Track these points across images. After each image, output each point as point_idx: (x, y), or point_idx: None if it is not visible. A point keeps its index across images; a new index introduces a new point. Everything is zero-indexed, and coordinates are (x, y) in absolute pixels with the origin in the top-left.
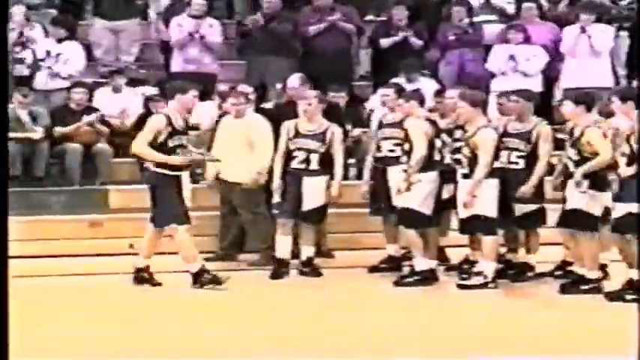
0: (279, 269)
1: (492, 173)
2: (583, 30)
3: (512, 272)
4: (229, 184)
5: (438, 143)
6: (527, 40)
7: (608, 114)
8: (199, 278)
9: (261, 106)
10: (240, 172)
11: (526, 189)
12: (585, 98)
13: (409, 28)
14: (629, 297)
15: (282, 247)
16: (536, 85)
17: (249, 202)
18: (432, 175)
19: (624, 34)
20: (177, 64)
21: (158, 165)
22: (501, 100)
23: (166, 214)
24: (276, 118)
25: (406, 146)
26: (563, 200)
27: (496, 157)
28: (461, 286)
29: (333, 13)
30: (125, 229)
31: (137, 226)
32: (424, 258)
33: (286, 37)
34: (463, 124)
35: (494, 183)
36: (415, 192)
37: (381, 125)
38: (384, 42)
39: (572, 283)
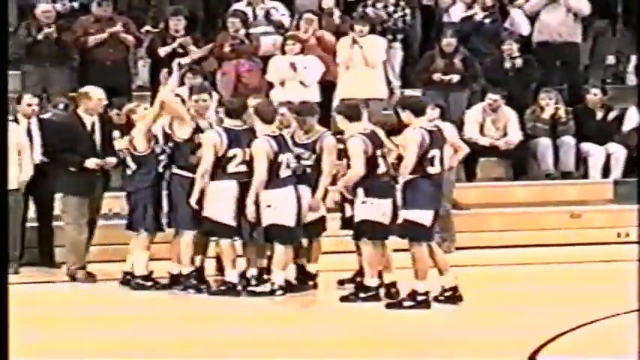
0: None
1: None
2: (355, 41)
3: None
4: None
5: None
6: (302, 50)
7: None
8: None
9: (41, 116)
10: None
11: (314, 203)
12: (350, 111)
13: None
14: (407, 304)
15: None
16: (314, 95)
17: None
18: (228, 184)
19: (397, 45)
20: None
21: None
22: (281, 110)
23: None
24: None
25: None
26: (342, 209)
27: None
28: (250, 293)
29: (113, 24)
30: None
31: None
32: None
33: (68, 47)
34: None
35: (286, 192)
36: (213, 202)
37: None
38: (162, 51)
39: (352, 291)
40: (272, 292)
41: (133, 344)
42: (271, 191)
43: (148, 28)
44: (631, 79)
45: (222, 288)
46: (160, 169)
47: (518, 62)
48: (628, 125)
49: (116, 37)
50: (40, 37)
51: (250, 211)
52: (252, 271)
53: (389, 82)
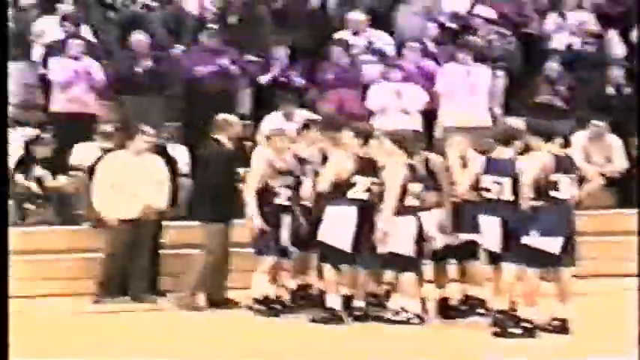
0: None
1: (408, 211)
2: (461, 69)
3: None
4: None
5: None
6: (405, 79)
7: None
8: None
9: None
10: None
11: (442, 225)
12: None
13: (289, 67)
14: (514, 331)
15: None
16: (416, 123)
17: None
18: (348, 209)
19: (501, 73)
20: (58, 104)
21: None
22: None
23: None
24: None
25: None
26: None
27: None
28: (388, 321)
29: (222, 56)
30: None
31: None
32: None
33: (170, 78)
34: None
35: (409, 220)
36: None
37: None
38: (264, 79)
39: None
40: (408, 321)
41: None
42: (394, 218)
43: (251, 57)
44: None
45: (325, 315)
46: (280, 201)
47: (627, 90)
48: None
49: (223, 67)
50: (138, 68)
51: (380, 237)
52: (360, 302)
53: (491, 109)
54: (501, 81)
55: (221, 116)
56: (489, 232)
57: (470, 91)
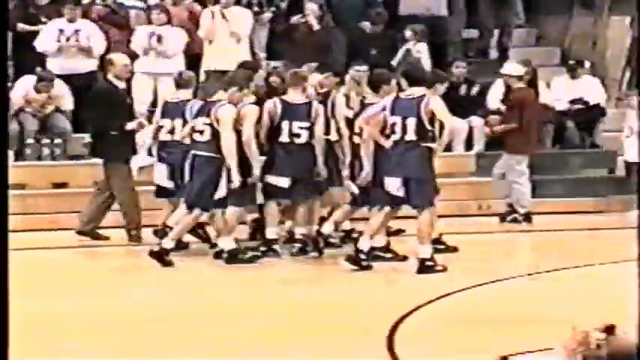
0: None
1: None
2: (222, 14)
3: None
4: None
5: None
6: (169, 21)
7: None
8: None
9: None
10: None
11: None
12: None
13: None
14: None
15: None
16: (178, 65)
17: None
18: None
19: (266, 16)
20: None
21: None
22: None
23: None
24: None
25: None
26: None
27: None
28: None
29: None
30: None
31: None
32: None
33: None
34: None
35: None
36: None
37: None
38: (21, 26)
39: None
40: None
41: None
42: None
43: None
44: (494, 54)
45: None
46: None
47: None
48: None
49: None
50: None
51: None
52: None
53: (254, 54)
54: (266, 24)
55: (107, 56)
56: None
57: (231, 35)
